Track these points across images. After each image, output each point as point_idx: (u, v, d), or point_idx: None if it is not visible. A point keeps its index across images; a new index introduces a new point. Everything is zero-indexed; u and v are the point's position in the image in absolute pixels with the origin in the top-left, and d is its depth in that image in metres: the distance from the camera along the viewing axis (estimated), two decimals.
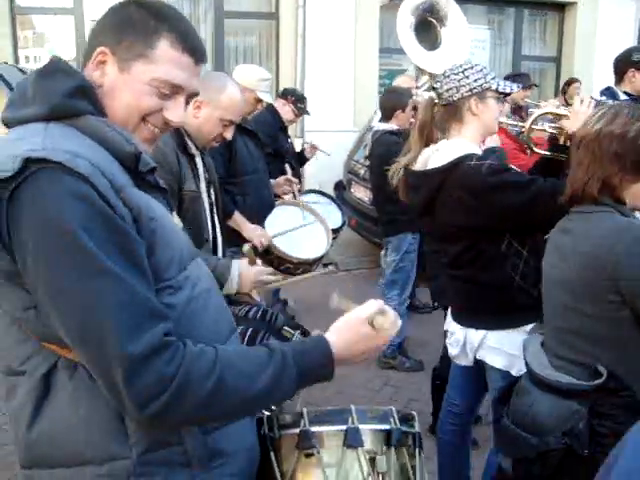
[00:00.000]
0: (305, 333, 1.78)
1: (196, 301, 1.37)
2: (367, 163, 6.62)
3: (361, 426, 1.54)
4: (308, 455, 1.51)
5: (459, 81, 2.53)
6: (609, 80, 4.38)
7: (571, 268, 1.99)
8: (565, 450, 1.89)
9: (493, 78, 2.58)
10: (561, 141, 2.74)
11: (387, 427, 1.58)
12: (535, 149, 2.88)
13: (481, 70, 2.56)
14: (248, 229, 3.71)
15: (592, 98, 2.71)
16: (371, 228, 6.63)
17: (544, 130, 2.89)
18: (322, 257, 3.92)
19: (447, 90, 2.56)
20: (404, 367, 4.86)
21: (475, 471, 3.06)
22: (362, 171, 6.82)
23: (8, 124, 1.39)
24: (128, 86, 1.37)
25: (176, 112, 1.43)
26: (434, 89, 2.62)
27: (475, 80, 2.53)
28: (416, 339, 5.28)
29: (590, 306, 1.94)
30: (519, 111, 5.57)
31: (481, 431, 3.63)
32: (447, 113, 2.60)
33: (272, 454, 1.53)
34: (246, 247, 2.83)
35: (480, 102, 2.55)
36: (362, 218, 6.78)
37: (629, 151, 1.92)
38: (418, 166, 2.63)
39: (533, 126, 2.85)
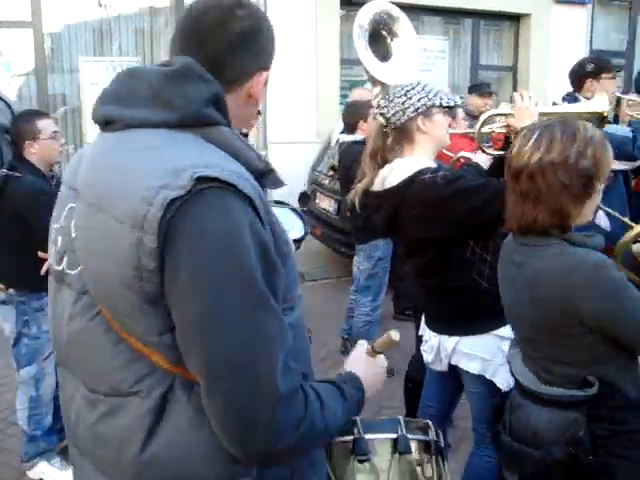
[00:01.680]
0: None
1: (301, 318, 1.38)
2: (330, 174, 6.70)
3: (409, 435, 1.66)
4: (362, 461, 1.59)
5: (403, 103, 2.59)
6: (563, 88, 4.50)
7: (532, 309, 1.97)
8: (570, 459, 1.89)
9: (435, 95, 2.63)
10: (512, 139, 2.79)
11: (428, 438, 1.73)
12: (486, 151, 2.98)
13: (423, 89, 2.62)
14: None
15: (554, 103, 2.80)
16: (337, 238, 6.67)
17: (493, 131, 2.97)
18: (302, 239, 3.96)
19: (394, 114, 2.61)
20: None
21: (451, 474, 3.09)
22: (326, 181, 6.87)
23: (109, 122, 1.30)
24: (252, 103, 1.44)
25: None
26: (381, 115, 2.67)
27: (419, 100, 2.59)
28: None
29: (559, 339, 1.93)
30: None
31: (452, 433, 3.68)
32: (398, 136, 2.66)
33: (327, 461, 1.58)
34: None
35: (427, 120, 2.61)
36: (327, 228, 6.82)
37: (574, 177, 1.86)
38: (376, 187, 2.69)
39: (482, 129, 2.94)
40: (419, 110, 2.59)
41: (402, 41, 5.60)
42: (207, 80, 1.28)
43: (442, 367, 2.79)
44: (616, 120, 4.43)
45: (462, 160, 3.56)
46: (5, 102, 3.53)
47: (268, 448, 1.15)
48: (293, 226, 4.36)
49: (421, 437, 1.71)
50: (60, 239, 1.36)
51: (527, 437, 2.03)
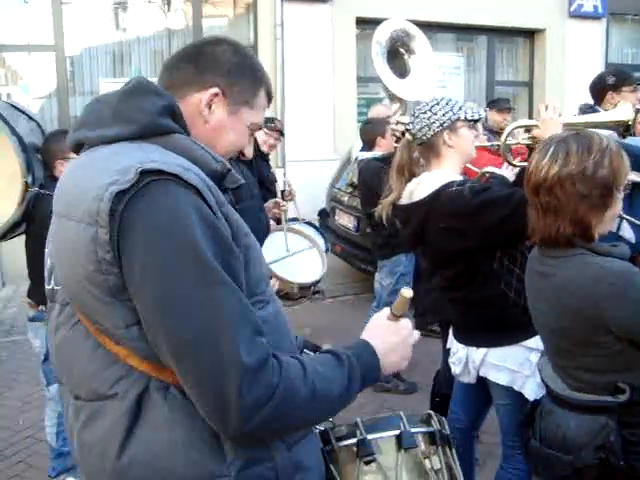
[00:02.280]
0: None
1: (280, 313, 1.41)
2: (349, 190, 6.72)
3: (413, 429, 1.64)
4: (368, 462, 1.57)
5: (429, 119, 2.62)
6: (580, 102, 4.49)
7: (560, 319, 1.98)
8: (600, 464, 1.89)
9: (460, 108, 2.65)
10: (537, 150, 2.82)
11: (432, 429, 1.69)
12: (513, 162, 2.99)
13: (447, 103, 2.64)
14: None
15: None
16: (356, 254, 6.68)
17: (518, 143, 2.98)
18: (319, 280, 3.98)
19: (419, 130, 2.64)
20: (399, 390, 4.88)
21: None
22: (345, 198, 6.89)
23: (83, 144, 1.40)
24: (234, 127, 1.50)
25: (250, 148, 1.60)
26: (408, 131, 2.70)
27: (444, 114, 2.61)
28: None
29: (589, 349, 1.93)
30: (501, 133, 5.70)
31: (478, 449, 3.66)
32: (424, 151, 2.69)
33: (332, 466, 1.58)
34: None
35: (453, 134, 2.63)
36: (347, 244, 6.83)
37: (593, 188, 1.87)
38: (404, 200, 2.72)
39: (507, 142, 2.95)
40: (445, 124, 2.62)
41: (419, 58, 5.64)
42: (159, 93, 1.39)
43: (470, 379, 2.78)
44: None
45: (487, 175, 3.57)
46: (36, 122, 3.59)
47: (246, 421, 1.16)
48: (311, 268, 4.35)
49: (424, 429, 1.68)
50: (49, 260, 1.45)
51: (556, 442, 2.03)
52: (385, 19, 6.58)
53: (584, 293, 1.88)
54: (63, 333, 1.36)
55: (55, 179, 3.44)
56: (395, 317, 1.50)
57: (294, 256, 4.04)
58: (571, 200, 1.89)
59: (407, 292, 1.49)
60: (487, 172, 3.56)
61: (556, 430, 2.04)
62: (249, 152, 1.58)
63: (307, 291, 3.97)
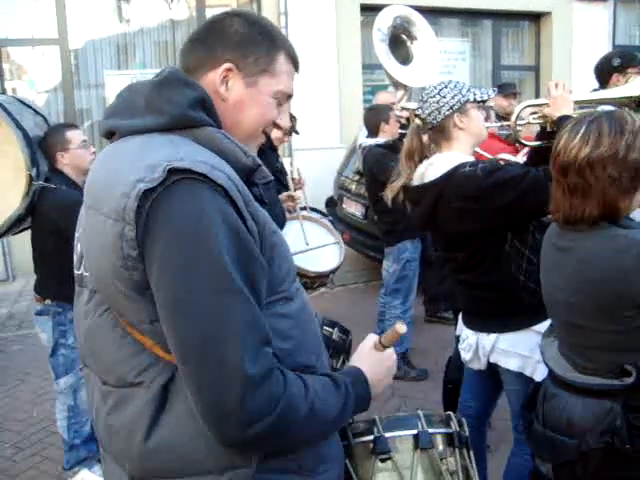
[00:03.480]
0: (342, 329, 1.83)
1: (305, 310, 1.41)
2: (356, 178, 6.71)
3: (430, 429, 1.64)
4: (383, 460, 1.58)
5: (438, 102, 2.61)
6: (588, 85, 4.45)
7: (580, 293, 1.95)
8: (606, 448, 1.89)
9: (468, 90, 2.64)
10: (548, 128, 2.78)
11: (450, 430, 1.68)
12: (524, 142, 2.96)
13: (455, 86, 2.63)
14: None
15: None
16: (365, 242, 6.69)
17: (529, 123, 2.95)
18: (337, 268, 3.98)
19: (429, 114, 2.63)
20: (410, 377, 4.89)
21: (491, 474, 3.08)
22: (353, 186, 6.88)
23: (114, 133, 1.39)
24: (255, 100, 1.44)
25: (284, 117, 1.52)
26: (417, 116, 2.69)
27: (453, 97, 2.61)
28: (416, 348, 5.31)
29: (607, 324, 1.91)
30: (507, 118, 5.67)
31: (490, 435, 3.66)
32: (435, 135, 2.68)
33: (348, 462, 1.58)
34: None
35: (463, 116, 2.62)
36: (355, 232, 6.83)
37: (624, 170, 1.84)
38: (415, 182, 2.71)
39: (518, 122, 2.93)
40: (454, 107, 2.60)
41: (422, 44, 5.62)
42: (191, 85, 1.37)
43: (480, 365, 2.77)
44: None
45: (502, 162, 3.55)
46: (43, 117, 3.60)
47: (243, 431, 1.16)
48: (330, 255, 4.32)
49: (443, 430, 1.68)
50: (79, 245, 1.45)
51: (561, 426, 2.02)
52: (390, 5, 6.57)
53: (609, 264, 1.86)
54: (92, 320, 1.37)
55: (59, 172, 3.45)
56: (382, 347, 1.52)
57: (316, 249, 4.03)
58: (601, 183, 1.86)
59: (401, 328, 1.50)
60: (501, 159, 3.55)
61: (560, 414, 2.03)
62: (284, 121, 1.52)
63: (325, 279, 3.96)
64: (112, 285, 1.24)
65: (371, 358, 1.51)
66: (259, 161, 1.38)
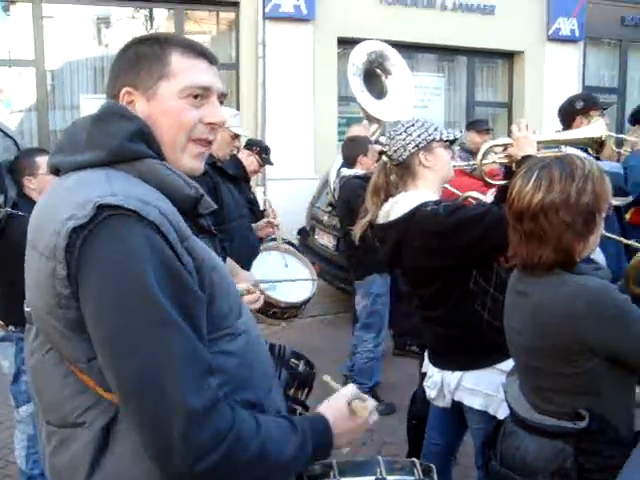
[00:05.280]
0: (307, 362, 1.83)
1: (252, 346, 1.39)
2: (329, 210, 6.73)
3: (389, 477, 1.59)
4: None
5: (404, 140, 2.64)
6: (558, 124, 4.53)
7: (536, 337, 1.98)
8: None
9: (435, 129, 2.68)
10: (513, 167, 2.82)
11: (412, 478, 1.63)
12: (490, 181, 3.01)
13: (422, 125, 2.67)
14: (242, 277, 3.72)
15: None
16: (336, 274, 6.67)
17: (495, 162, 3.01)
18: (309, 300, 3.98)
19: (395, 151, 2.67)
20: (377, 411, 4.86)
21: None
22: (325, 217, 6.89)
23: (59, 170, 1.38)
24: (161, 110, 1.40)
25: (214, 112, 1.44)
26: (384, 153, 2.73)
27: (419, 135, 2.64)
28: (385, 382, 5.29)
29: (561, 368, 1.93)
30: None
31: (455, 470, 3.65)
32: (401, 172, 2.71)
33: None
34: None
35: (429, 154, 2.65)
36: (326, 264, 6.81)
37: (576, 214, 1.87)
38: (380, 220, 2.73)
39: (484, 161, 2.99)
40: (420, 145, 2.64)
41: (396, 78, 5.71)
42: (129, 117, 1.36)
43: (445, 403, 2.78)
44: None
45: (471, 200, 3.59)
46: (13, 140, 3.56)
47: (188, 466, 1.14)
48: (302, 287, 4.31)
49: (401, 477, 1.62)
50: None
51: (516, 465, 2.03)
52: (367, 39, 6.66)
53: (561, 310, 1.88)
54: (37, 358, 1.36)
55: (27, 198, 3.41)
56: (351, 410, 1.48)
57: (284, 275, 4.03)
58: (555, 229, 1.88)
59: (366, 406, 1.47)
60: (470, 196, 3.59)
61: (515, 452, 2.05)
62: (216, 116, 1.44)
63: (296, 310, 3.95)
64: (49, 323, 1.24)
65: (341, 409, 1.48)
66: (202, 191, 1.38)
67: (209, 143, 1.46)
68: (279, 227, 4.59)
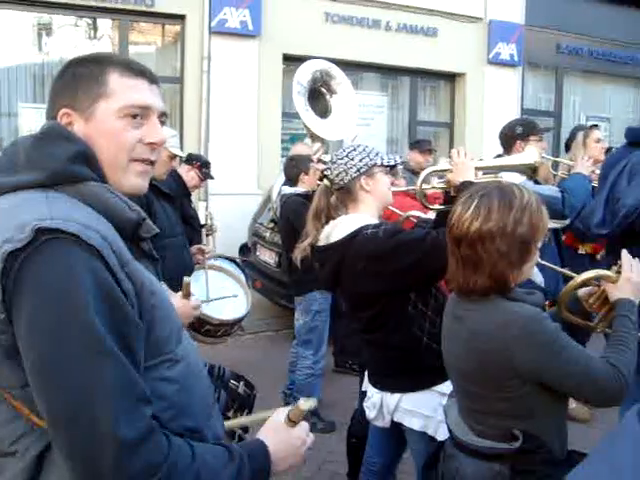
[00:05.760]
0: (247, 384, 1.81)
1: (192, 372, 1.37)
2: (271, 226, 6.73)
3: None
4: None
5: (346, 164, 2.68)
6: (497, 144, 4.64)
7: (471, 361, 2.02)
8: None
9: (376, 154, 2.72)
10: (452, 193, 2.89)
11: None
12: (429, 206, 3.08)
13: (364, 150, 2.71)
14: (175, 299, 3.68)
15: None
16: (277, 290, 6.66)
17: (434, 187, 3.08)
18: (243, 318, 3.96)
19: (337, 175, 2.69)
20: (317, 429, 4.86)
21: None
22: (267, 234, 6.88)
23: None
24: (99, 131, 1.38)
25: (154, 132, 1.43)
26: (325, 177, 2.75)
27: (360, 160, 2.68)
28: (325, 399, 5.29)
29: (495, 392, 1.98)
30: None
31: None
32: (342, 196, 2.74)
33: None
34: (186, 279, 2.75)
35: (369, 179, 2.69)
36: (268, 280, 6.80)
37: (512, 244, 1.91)
38: (321, 242, 2.75)
39: (423, 186, 3.05)
40: (361, 170, 2.67)
41: (341, 98, 5.77)
42: (72, 139, 1.34)
43: (385, 423, 2.80)
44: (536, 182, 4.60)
45: (412, 219, 3.65)
46: None
47: None
48: (235, 305, 4.30)
49: None
50: None
51: None
52: (312, 56, 6.71)
53: (494, 337, 1.93)
54: None
55: None
56: (292, 422, 1.49)
57: (219, 293, 4.01)
58: (491, 256, 1.92)
59: (305, 404, 1.48)
60: (411, 215, 3.65)
61: (455, 475, 2.08)
62: (155, 136, 1.42)
63: (230, 328, 3.94)
64: None
65: (278, 433, 1.47)
66: (144, 214, 1.36)
67: (151, 163, 1.45)
68: (212, 246, 4.57)
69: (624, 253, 2.25)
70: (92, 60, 1.43)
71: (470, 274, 1.98)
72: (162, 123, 1.46)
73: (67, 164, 1.29)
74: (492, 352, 1.93)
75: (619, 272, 2.21)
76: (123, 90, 1.39)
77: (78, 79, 1.39)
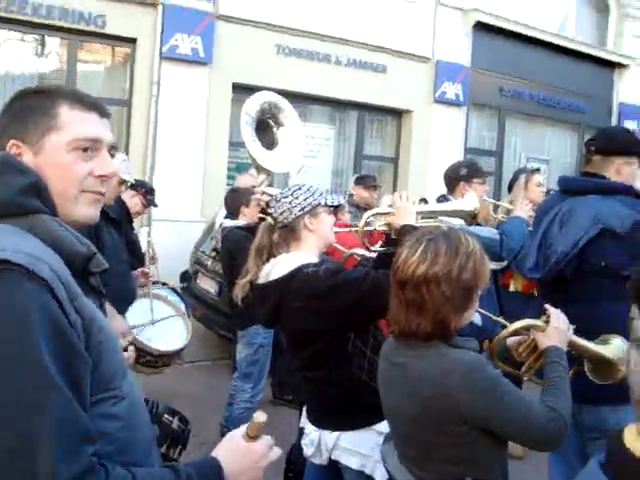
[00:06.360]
0: (182, 419, 1.79)
1: (136, 408, 1.35)
2: (213, 254, 6.68)
3: None
4: None
5: (290, 203, 2.70)
6: (441, 181, 4.73)
7: (415, 408, 2.02)
8: None
9: (321, 194, 2.76)
10: (393, 235, 2.92)
11: None
12: (370, 247, 3.12)
13: (308, 189, 2.75)
14: (118, 321, 3.62)
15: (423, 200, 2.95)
16: (217, 320, 6.59)
17: (375, 229, 3.11)
18: (183, 349, 3.92)
19: (281, 213, 2.71)
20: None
21: None
22: (209, 262, 6.81)
23: None
24: (49, 164, 1.37)
25: (105, 165, 1.42)
26: (269, 214, 2.77)
27: (305, 199, 2.71)
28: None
29: (440, 438, 1.99)
30: (367, 208, 5.90)
31: None
32: (285, 234, 2.75)
33: None
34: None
35: (313, 218, 2.71)
36: (208, 309, 6.72)
37: (456, 289, 1.95)
38: (261, 280, 2.75)
39: (365, 228, 3.08)
40: (305, 209, 2.69)
41: (288, 130, 5.79)
42: (23, 171, 1.32)
43: (322, 461, 2.79)
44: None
45: (356, 256, 3.68)
46: None
47: None
48: (177, 336, 4.27)
49: None
50: None
51: None
52: (262, 87, 6.75)
53: (437, 383, 1.95)
54: None
55: None
56: (250, 438, 1.47)
57: (157, 324, 3.97)
58: (435, 300, 1.95)
59: (260, 416, 1.46)
60: (355, 253, 3.68)
61: None
62: (105, 169, 1.42)
63: (169, 359, 3.90)
64: None
65: (233, 447, 1.45)
66: (94, 248, 1.35)
67: (101, 194, 1.44)
68: (154, 274, 4.54)
69: (547, 306, 2.34)
70: (42, 92, 1.42)
71: (413, 317, 2.00)
72: (112, 156, 1.46)
73: (17, 196, 1.28)
74: (435, 398, 1.95)
75: (547, 321, 2.29)
76: (73, 123, 1.38)
77: (27, 111, 1.38)
